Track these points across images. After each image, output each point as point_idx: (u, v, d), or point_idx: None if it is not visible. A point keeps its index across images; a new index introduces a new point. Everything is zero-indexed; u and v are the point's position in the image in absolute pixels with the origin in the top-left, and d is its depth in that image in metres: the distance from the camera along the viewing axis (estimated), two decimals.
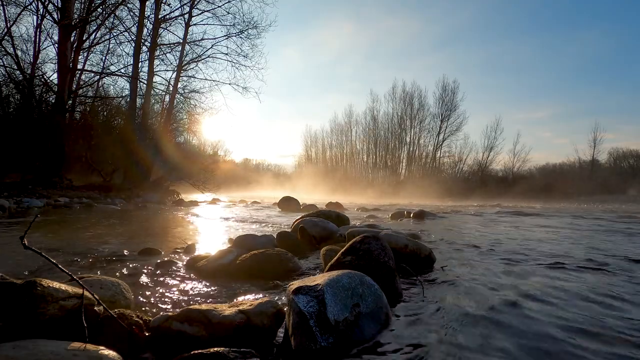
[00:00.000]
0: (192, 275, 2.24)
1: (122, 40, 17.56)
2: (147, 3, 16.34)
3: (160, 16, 16.89)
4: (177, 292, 1.88)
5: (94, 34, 16.87)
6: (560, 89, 61.40)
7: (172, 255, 2.85)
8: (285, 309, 1.36)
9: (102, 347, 1.03)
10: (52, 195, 10.36)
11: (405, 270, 2.26)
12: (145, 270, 2.32)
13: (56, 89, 13.46)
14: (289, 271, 2.32)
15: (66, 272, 1.24)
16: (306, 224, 3.59)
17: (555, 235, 4.82)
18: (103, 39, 17.76)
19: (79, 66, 16.07)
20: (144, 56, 17.03)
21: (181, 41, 17.64)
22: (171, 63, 18.07)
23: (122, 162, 16.72)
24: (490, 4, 71.51)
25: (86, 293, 1.24)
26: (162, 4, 16.88)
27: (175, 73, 17.84)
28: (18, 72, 14.84)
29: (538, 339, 1.33)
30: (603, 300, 1.82)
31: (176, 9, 17.72)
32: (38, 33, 16.63)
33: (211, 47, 18.33)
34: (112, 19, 16.03)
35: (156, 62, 17.37)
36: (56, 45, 14.48)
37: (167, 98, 18.85)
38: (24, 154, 13.07)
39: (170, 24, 17.67)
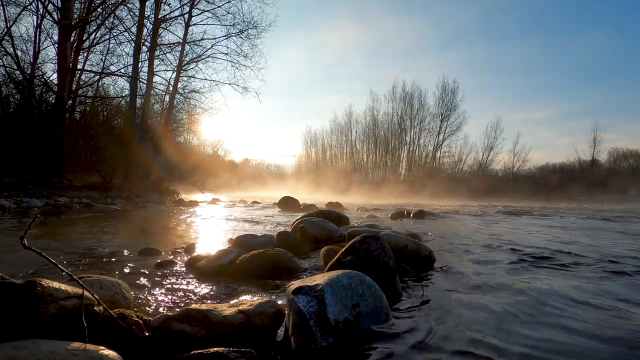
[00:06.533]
0: (192, 275, 2.24)
1: (122, 40, 17.56)
2: (147, 3, 16.34)
3: (160, 16, 16.88)
4: (177, 292, 1.88)
5: (94, 34, 16.86)
6: (560, 89, 61.44)
7: (172, 256, 2.85)
8: (285, 309, 1.36)
9: (102, 347, 1.03)
10: (52, 195, 10.36)
11: (405, 270, 2.26)
12: (145, 270, 2.32)
13: (56, 89, 13.46)
14: (289, 271, 2.32)
15: (66, 272, 1.24)
16: (306, 224, 3.59)
17: (555, 235, 4.82)
18: (103, 39, 17.77)
19: (79, 66, 16.06)
20: (144, 56, 17.04)
21: (181, 41, 17.64)
22: (171, 63, 18.09)
23: (122, 162, 16.71)
24: (491, 4, 71.51)
25: (86, 293, 1.24)
26: (162, 4, 16.87)
27: (175, 73, 17.84)
28: (18, 72, 14.82)
29: (539, 340, 1.32)
30: (606, 301, 1.82)
31: (176, 9, 17.71)
32: (38, 33, 16.64)
33: (211, 47, 18.34)
34: (112, 19, 16.01)
35: (156, 62, 17.37)
36: (56, 45, 14.48)
37: (167, 98, 18.87)
38: (24, 154, 13.06)
39: (170, 24, 17.67)
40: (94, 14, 14.66)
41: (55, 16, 13.47)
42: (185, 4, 17.48)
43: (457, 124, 41.94)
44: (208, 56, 18.42)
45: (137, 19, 16.24)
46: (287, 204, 10.23)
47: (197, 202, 14.03)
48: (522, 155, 41.52)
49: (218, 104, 42.48)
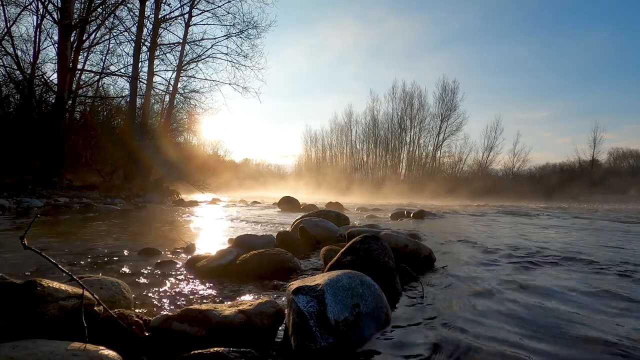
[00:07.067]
0: (192, 275, 2.24)
1: (122, 40, 17.61)
2: (147, 3, 16.35)
3: (160, 16, 16.89)
4: (177, 292, 1.88)
5: (94, 34, 16.89)
6: (560, 89, 61.43)
7: (172, 255, 2.85)
8: (285, 309, 1.36)
9: (102, 347, 1.03)
10: (52, 195, 10.36)
11: (405, 270, 2.26)
12: (145, 270, 2.32)
13: (56, 89, 13.45)
14: (289, 271, 2.32)
15: (66, 272, 1.24)
16: (306, 224, 3.59)
17: (554, 235, 4.82)
18: (103, 39, 17.80)
19: (79, 66, 16.08)
20: (144, 56, 17.05)
21: (181, 41, 17.66)
22: (171, 63, 18.11)
23: (122, 162, 16.72)
24: (492, 5, 71.49)
25: (86, 293, 1.24)
26: (162, 4, 16.89)
27: (175, 73, 17.86)
28: (18, 72, 14.83)
29: (537, 340, 1.32)
30: (602, 299, 1.82)
31: (176, 9, 17.79)
32: (38, 33, 16.65)
33: (211, 47, 18.38)
34: (112, 19, 16.05)
35: (156, 62, 17.39)
36: (56, 45, 14.49)
37: (167, 98, 18.91)
38: (24, 154, 13.07)
39: (170, 24, 17.70)
40: (94, 14, 14.67)
41: (55, 16, 13.48)
42: (185, 4, 17.51)
43: (457, 124, 41.99)
44: (208, 56, 18.48)
45: (137, 19, 16.25)
46: (287, 204, 10.23)
47: (197, 202, 14.03)
48: (522, 155, 41.60)
49: (218, 104, 42.81)
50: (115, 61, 20.16)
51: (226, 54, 18.46)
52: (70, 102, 14.96)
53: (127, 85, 17.16)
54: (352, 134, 48.12)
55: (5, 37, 14.31)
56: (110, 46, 18.34)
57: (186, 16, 17.66)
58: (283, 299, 1.76)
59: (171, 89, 18.12)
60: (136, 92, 16.45)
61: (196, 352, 1.05)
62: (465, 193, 34.34)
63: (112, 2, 14.78)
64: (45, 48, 21.53)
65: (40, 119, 14.14)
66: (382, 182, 41.41)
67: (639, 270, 2.53)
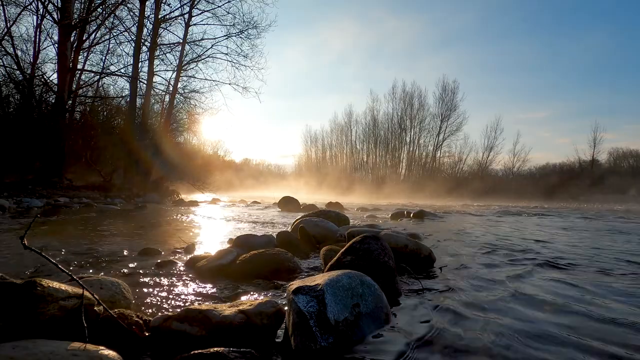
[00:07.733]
0: (192, 275, 2.24)
1: (122, 40, 17.62)
2: (147, 3, 16.35)
3: (160, 16, 16.89)
4: (177, 292, 1.88)
5: (94, 34, 16.89)
6: (560, 89, 61.47)
7: (172, 255, 2.85)
8: (285, 309, 1.36)
9: (102, 347, 1.03)
10: (52, 195, 10.36)
11: (405, 270, 2.26)
12: (145, 270, 2.32)
13: (56, 89, 13.46)
14: (289, 271, 2.32)
15: (66, 272, 1.24)
16: (306, 224, 3.59)
17: (554, 236, 4.82)
18: (103, 39, 17.80)
19: (79, 66, 16.08)
20: (144, 56, 17.06)
21: (181, 41, 17.66)
22: (171, 63, 18.12)
23: (122, 162, 16.73)
24: (492, 5, 71.48)
25: (86, 293, 1.24)
26: (162, 4, 16.89)
27: (175, 73, 17.86)
28: (18, 72, 14.82)
29: (535, 339, 1.32)
30: (598, 302, 1.82)
31: (176, 9, 17.79)
32: (38, 33, 16.64)
33: (211, 47, 18.39)
34: (112, 19, 16.06)
35: (156, 62, 17.40)
36: (56, 45, 14.49)
37: (167, 98, 18.91)
38: (24, 154, 13.07)
39: (170, 24, 17.70)
40: (94, 14, 14.68)
41: (55, 16, 13.48)
42: (185, 4, 17.52)
43: (457, 124, 42.03)
44: (208, 56, 18.49)
45: (137, 19, 16.26)
46: (287, 204, 10.24)
47: (197, 202, 14.03)
48: (522, 155, 41.63)
49: (218, 104, 42.93)
50: (115, 61, 20.17)
51: (226, 54, 18.49)
52: (70, 102, 14.95)
53: (127, 85, 17.18)
54: (352, 134, 48.18)
55: (5, 37, 14.31)
56: (110, 46, 18.37)
57: (186, 16, 17.68)
58: (283, 299, 1.76)
59: (171, 89, 18.14)
60: (136, 92, 16.46)
61: (196, 352, 1.05)
62: (466, 193, 34.36)
63: (112, 2, 14.80)
64: (45, 48, 21.54)
65: (40, 119, 14.14)
66: (382, 182, 41.41)
67: (616, 268, 2.54)
